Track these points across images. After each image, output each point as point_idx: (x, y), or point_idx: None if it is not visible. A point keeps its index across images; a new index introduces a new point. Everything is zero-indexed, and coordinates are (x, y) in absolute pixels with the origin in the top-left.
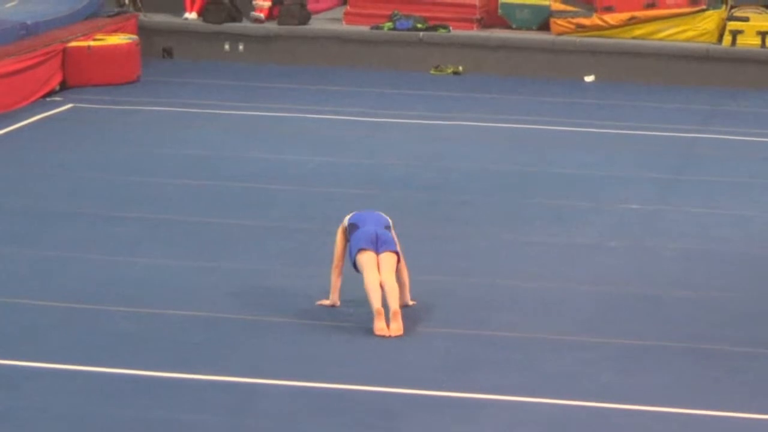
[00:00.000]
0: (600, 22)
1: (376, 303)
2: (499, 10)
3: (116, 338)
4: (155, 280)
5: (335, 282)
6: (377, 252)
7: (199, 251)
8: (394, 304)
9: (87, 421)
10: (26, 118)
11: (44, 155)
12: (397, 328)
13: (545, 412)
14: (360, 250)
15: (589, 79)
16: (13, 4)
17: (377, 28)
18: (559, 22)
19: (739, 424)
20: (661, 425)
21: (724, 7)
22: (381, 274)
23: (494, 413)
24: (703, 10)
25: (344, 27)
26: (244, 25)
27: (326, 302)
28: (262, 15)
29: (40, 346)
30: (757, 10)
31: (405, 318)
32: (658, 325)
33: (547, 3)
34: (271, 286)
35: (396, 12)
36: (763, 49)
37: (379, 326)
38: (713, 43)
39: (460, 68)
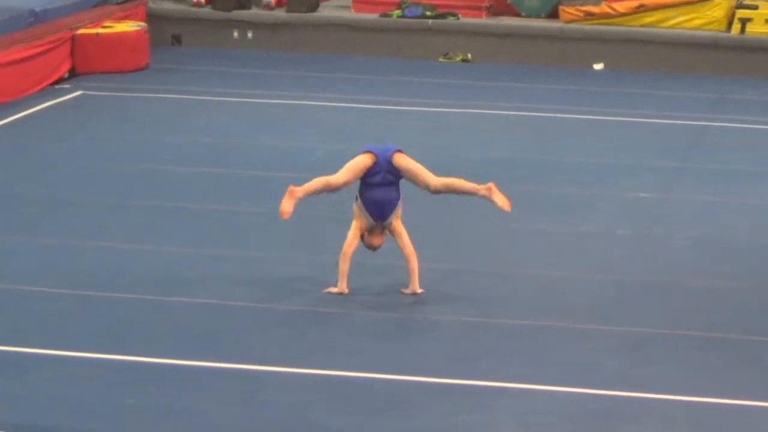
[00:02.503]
0: (609, 10)
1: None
2: None
3: (124, 326)
4: (164, 268)
5: (343, 268)
6: (386, 154)
7: (208, 239)
8: (482, 188)
9: (95, 409)
10: (35, 106)
11: (53, 142)
12: (502, 200)
13: (556, 400)
14: (364, 151)
15: (597, 67)
16: None
17: (386, 15)
18: (568, 10)
19: (751, 412)
20: (672, 413)
21: None
22: (424, 179)
23: (505, 401)
24: None
25: (353, 14)
26: (253, 13)
27: (334, 290)
28: (272, 1)
29: (49, 334)
30: None
31: (414, 306)
32: (668, 313)
33: None
34: (280, 274)
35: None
36: None
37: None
38: (722, 31)
39: (469, 56)
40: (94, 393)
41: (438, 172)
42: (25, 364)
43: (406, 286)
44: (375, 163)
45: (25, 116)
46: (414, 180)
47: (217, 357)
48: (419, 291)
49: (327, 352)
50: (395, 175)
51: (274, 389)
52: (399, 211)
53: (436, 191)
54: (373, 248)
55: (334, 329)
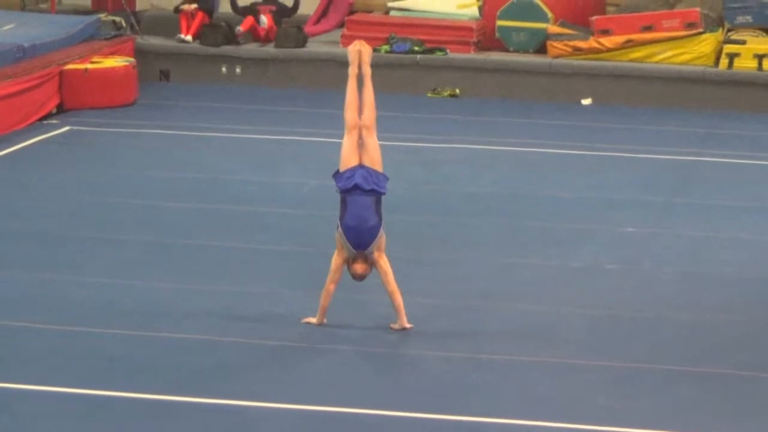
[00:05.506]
0: (597, 45)
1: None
2: (496, 33)
3: (111, 361)
4: (151, 303)
5: (324, 303)
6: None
7: (194, 274)
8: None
9: None
10: (23, 141)
11: (41, 178)
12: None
13: None
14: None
15: (586, 102)
16: (9, 26)
17: (374, 50)
18: (556, 45)
19: None
20: None
21: (720, 30)
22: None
23: None
24: (700, 33)
25: (341, 50)
26: (242, 48)
27: (312, 320)
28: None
29: (35, 369)
30: (754, 33)
31: (403, 341)
32: (655, 347)
33: (544, 26)
34: (266, 309)
35: (393, 35)
36: (759, 72)
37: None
38: (710, 66)
39: (457, 91)
40: (82, 429)
41: (425, 207)
42: (11, 399)
43: (395, 322)
44: (358, 165)
45: (12, 152)
46: (367, 133)
47: (203, 392)
48: (408, 326)
49: (316, 388)
50: (372, 176)
51: (263, 424)
52: (381, 242)
53: (369, 107)
54: (358, 277)
55: (324, 365)
